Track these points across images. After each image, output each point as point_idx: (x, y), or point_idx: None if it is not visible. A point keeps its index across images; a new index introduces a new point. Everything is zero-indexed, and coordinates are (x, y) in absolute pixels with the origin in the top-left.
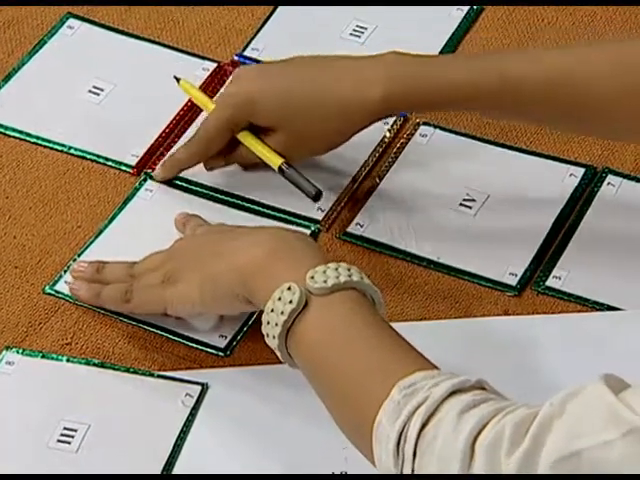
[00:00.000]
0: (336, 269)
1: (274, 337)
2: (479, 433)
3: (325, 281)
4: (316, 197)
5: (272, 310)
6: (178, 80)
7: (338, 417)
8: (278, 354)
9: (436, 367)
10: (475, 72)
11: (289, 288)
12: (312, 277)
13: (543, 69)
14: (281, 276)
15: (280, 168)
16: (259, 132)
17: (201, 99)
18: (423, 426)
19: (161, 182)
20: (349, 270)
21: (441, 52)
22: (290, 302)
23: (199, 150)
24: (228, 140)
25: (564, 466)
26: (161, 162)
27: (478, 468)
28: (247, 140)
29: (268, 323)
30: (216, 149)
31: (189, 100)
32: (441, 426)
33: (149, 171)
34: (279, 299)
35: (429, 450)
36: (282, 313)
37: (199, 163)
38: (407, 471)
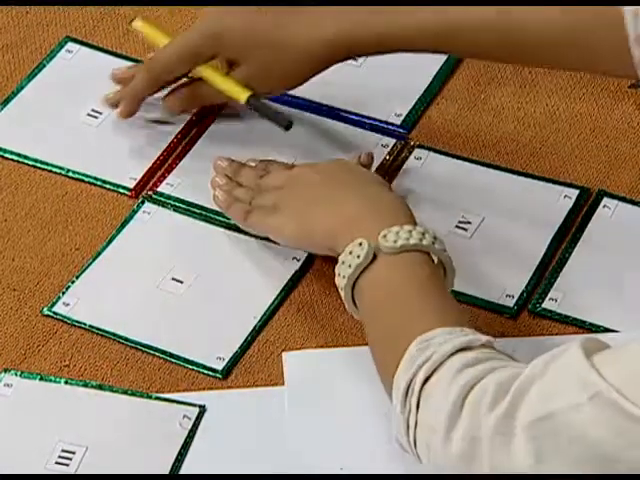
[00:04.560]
0: (409, 231)
1: (341, 288)
2: (470, 391)
3: (395, 241)
4: (287, 127)
5: (343, 262)
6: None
7: (377, 368)
8: (345, 304)
9: (467, 326)
10: (422, 17)
11: (360, 244)
12: (384, 236)
13: (490, 13)
14: (360, 233)
15: (248, 101)
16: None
17: (159, 37)
18: (426, 380)
19: (126, 118)
20: (423, 234)
21: (437, 74)
22: (357, 257)
23: (157, 74)
24: (189, 69)
25: (540, 427)
26: (118, 97)
27: (461, 424)
28: (210, 75)
29: (339, 274)
30: (174, 75)
31: (187, 123)
32: (439, 381)
33: (149, 192)
34: (350, 253)
35: (427, 403)
36: (350, 266)
37: (157, 89)
38: (412, 422)
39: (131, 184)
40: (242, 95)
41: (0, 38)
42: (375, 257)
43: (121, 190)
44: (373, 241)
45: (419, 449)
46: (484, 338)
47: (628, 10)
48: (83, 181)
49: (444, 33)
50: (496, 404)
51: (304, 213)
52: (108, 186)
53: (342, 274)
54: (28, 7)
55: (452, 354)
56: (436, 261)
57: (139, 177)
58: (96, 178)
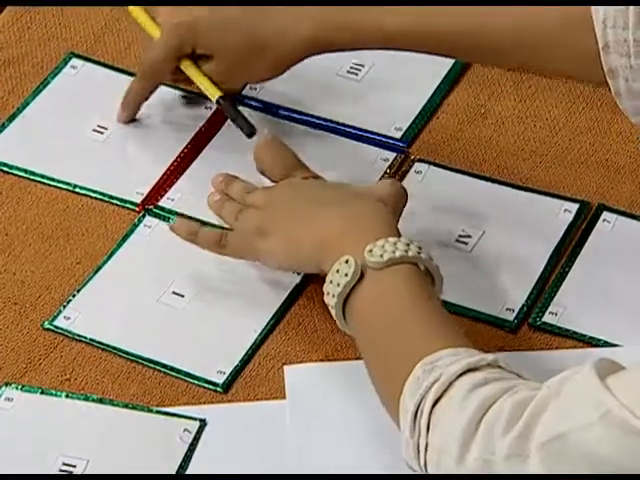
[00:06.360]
0: (394, 244)
1: (332, 307)
2: (486, 412)
3: (381, 255)
4: (250, 135)
5: (331, 281)
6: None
7: (377, 389)
8: (337, 322)
9: (469, 345)
10: (395, 15)
11: (347, 261)
12: (370, 251)
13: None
14: (346, 249)
15: (217, 101)
16: (199, 61)
17: (148, 25)
18: (436, 402)
19: (124, 123)
20: (407, 245)
21: (437, 88)
22: (345, 275)
23: (149, 78)
24: (174, 68)
25: (552, 447)
26: (121, 105)
27: (475, 446)
28: (189, 70)
29: (328, 293)
30: (163, 77)
31: (193, 138)
32: (450, 403)
33: (150, 206)
34: (337, 271)
35: (438, 425)
36: (338, 285)
37: (152, 92)
38: (422, 444)
39: (138, 199)
40: (213, 94)
41: (1, 53)
42: (363, 274)
43: (128, 205)
44: (359, 257)
45: (430, 472)
46: (490, 357)
47: (596, 18)
48: (90, 197)
49: (422, 35)
50: (511, 427)
51: (290, 234)
52: (115, 201)
53: (331, 293)
54: (30, 22)
55: (460, 375)
56: (422, 269)
57: (146, 192)
58: (103, 193)
